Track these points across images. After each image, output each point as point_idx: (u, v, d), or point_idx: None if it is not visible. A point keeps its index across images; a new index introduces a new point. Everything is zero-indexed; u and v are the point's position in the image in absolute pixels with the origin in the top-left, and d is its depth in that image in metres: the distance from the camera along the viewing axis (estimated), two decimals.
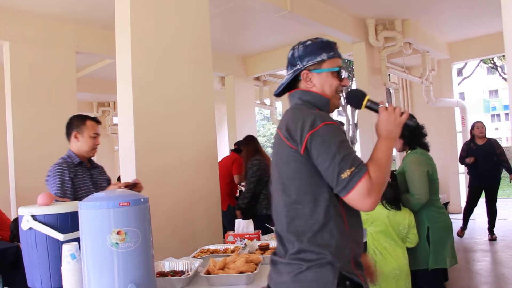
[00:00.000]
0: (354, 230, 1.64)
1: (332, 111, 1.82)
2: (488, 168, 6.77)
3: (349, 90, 1.84)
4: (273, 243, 2.81)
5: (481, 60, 17.02)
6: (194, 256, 2.70)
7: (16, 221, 4.67)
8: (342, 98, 1.70)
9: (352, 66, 10.54)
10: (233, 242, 3.02)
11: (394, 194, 3.22)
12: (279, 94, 1.87)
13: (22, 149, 5.99)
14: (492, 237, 6.90)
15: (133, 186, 2.84)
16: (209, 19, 4.38)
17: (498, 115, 45.28)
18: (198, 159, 4.10)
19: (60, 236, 1.85)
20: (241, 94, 9.52)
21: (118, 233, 1.51)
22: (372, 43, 7.48)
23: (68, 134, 3.17)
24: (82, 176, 3.08)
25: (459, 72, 19.93)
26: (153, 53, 3.85)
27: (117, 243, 1.51)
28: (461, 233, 7.10)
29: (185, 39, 4.14)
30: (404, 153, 3.64)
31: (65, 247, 1.73)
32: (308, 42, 1.77)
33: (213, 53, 4.43)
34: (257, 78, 10.19)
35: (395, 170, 3.57)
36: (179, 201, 3.90)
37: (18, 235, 4.38)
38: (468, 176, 7.26)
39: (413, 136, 3.47)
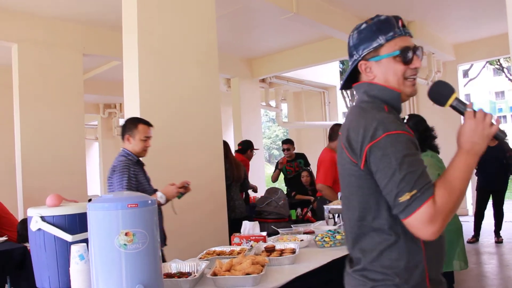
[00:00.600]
0: (431, 246, 1.40)
1: (405, 100, 1.53)
2: (496, 171, 6.74)
3: (435, 81, 1.48)
4: (279, 245, 2.82)
5: (487, 62, 16.95)
6: (200, 258, 2.70)
7: (24, 222, 4.70)
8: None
9: None
10: (239, 244, 3.03)
11: None
12: (344, 87, 1.63)
13: (30, 150, 6.03)
14: (499, 240, 6.87)
15: (186, 188, 3.15)
16: (215, 21, 4.40)
17: (505, 116, 45.08)
18: (204, 161, 4.12)
19: (68, 237, 1.87)
20: (247, 96, 9.54)
21: (126, 234, 1.52)
22: None
23: (122, 135, 3.35)
24: (140, 173, 3.29)
25: (465, 73, 19.88)
26: (159, 55, 3.88)
27: (125, 244, 1.53)
28: (472, 239, 7.04)
29: (192, 41, 4.17)
30: None
31: (74, 248, 1.74)
32: (363, 26, 1.54)
33: (219, 55, 4.45)
34: (263, 80, 10.20)
35: None
36: (185, 202, 3.91)
37: (25, 236, 4.41)
38: (475, 178, 7.24)
39: (423, 138, 3.41)
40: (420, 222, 1.27)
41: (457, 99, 1.41)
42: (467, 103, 1.40)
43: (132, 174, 3.17)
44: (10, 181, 6.24)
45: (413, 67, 1.47)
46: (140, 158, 3.37)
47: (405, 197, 1.27)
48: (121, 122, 13.39)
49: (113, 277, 1.57)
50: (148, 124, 3.33)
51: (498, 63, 19.83)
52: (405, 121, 3.46)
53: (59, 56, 6.32)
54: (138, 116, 3.64)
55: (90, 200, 2.86)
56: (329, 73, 11.61)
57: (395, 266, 1.37)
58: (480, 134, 1.35)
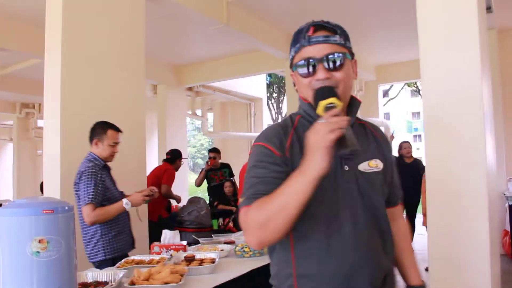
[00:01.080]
0: (305, 260, 1.36)
1: None
2: (410, 186, 7.13)
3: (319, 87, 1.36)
4: (199, 255, 2.81)
5: (405, 83, 17.98)
6: (118, 267, 2.64)
7: None
8: None
9: (285, 82, 10.77)
10: (158, 253, 2.99)
11: None
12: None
13: None
14: None
15: (152, 195, 3.25)
16: (144, 26, 4.35)
17: (420, 135, 47.81)
18: (127, 168, 4.02)
19: None
20: (173, 104, 9.46)
21: (40, 241, 1.45)
22: None
23: (91, 139, 3.30)
24: (107, 178, 3.27)
25: (385, 93, 20.91)
26: (84, 56, 3.76)
27: (38, 251, 1.46)
28: None
29: (119, 44, 4.09)
30: None
31: None
32: None
33: (146, 60, 4.39)
34: (190, 89, 10.17)
35: None
36: None
37: None
38: None
39: None
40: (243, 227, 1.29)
41: (330, 105, 1.27)
42: (336, 112, 1.24)
43: (100, 179, 3.12)
44: None
45: (318, 78, 1.37)
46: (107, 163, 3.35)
47: (241, 200, 1.31)
48: (40, 123, 12.80)
49: (24, 285, 1.50)
50: (117, 129, 3.31)
51: (415, 85, 21.05)
52: None
53: None
54: (59, 117, 3.50)
55: (0, 205, 2.71)
56: (256, 85, 11.80)
57: (273, 274, 1.46)
58: (315, 141, 1.20)
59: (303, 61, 1.38)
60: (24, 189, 12.91)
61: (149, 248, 3.68)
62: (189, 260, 2.72)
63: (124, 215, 3.28)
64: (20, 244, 1.46)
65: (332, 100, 1.27)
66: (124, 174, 3.99)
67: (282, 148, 1.37)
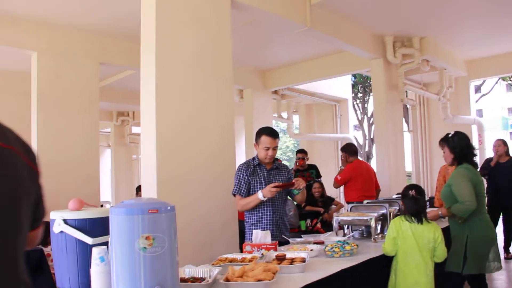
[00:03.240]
0: None
1: None
2: (506, 187, 6.72)
3: None
4: (289, 254, 2.88)
5: (499, 78, 16.91)
6: (213, 264, 2.78)
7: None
8: None
9: (370, 81, 10.57)
10: (250, 252, 3.10)
11: (416, 207, 3.36)
12: None
13: (46, 156, 6.15)
14: (508, 256, 6.85)
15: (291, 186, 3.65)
16: (231, 34, 4.50)
17: None
18: (217, 170, 4.20)
19: (89, 240, 1.95)
20: (259, 107, 9.64)
21: (146, 238, 1.60)
22: (390, 59, 7.55)
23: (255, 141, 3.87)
24: (258, 176, 3.78)
25: (478, 89, 19.81)
26: (176, 66, 3.98)
27: (145, 247, 1.61)
28: None
29: (207, 52, 4.27)
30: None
31: (95, 250, 1.83)
32: None
33: (233, 66, 4.54)
34: (275, 92, 10.30)
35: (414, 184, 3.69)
36: (196, 210, 4.00)
37: (43, 239, 4.51)
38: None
39: (464, 153, 3.85)
40: None
41: None
42: None
43: (244, 176, 3.75)
44: None
45: None
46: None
47: None
48: (135, 130, 13.49)
49: (132, 278, 1.64)
50: (272, 136, 3.74)
51: (511, 79, 19.75)
52: (449, 135, 3.94)
53: (77, 64, 6.47)
54: (154, 124, 3.74)
55: (102, 206, 2.95)
56: (341, 86, 11.70)
57: None
58: None
59: None
60: (121, 191, 13.73)
61: (240, 247, 3.83)
62: (280, 259, 2.79)
63: None
64: (129, 241, 1.61)
65: None
66: (214, 177, 4.18)
67: None
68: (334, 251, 3.08)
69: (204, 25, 4.28)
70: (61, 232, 1.98)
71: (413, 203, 3.37)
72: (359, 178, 6.46)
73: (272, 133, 3.77)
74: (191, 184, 3.98)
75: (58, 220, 1.98)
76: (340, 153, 8.05)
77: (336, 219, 3.87)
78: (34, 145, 6.12)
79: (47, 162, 6.00)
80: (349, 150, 6.74)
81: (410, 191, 3.46)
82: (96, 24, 6.34)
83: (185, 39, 4.10)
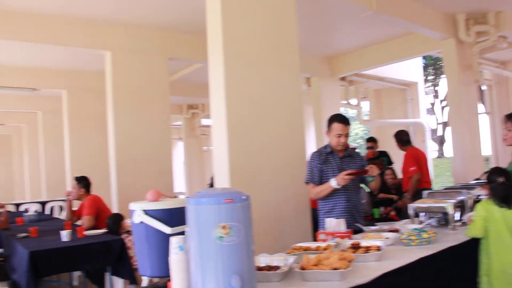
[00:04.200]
0: None
1: None
2: None
3: None
4: (364, 242, 2.84)
5: None
6: (287, 253, 2.79)
7: (113, 217, 5.05)
8: None
9: (441, 63, 10.12)
10: (324, 240, 3.08)
11: (506, 191, 3.25)
12: None
13: (123, 150, 6.45)
14: None
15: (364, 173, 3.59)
16: (296, 22, 4.46)
17: None
18: (288, 159, 4.20)
19: (167, 230, 2.02)
20: (327, 95, 9.52)
21: (223, 227, 1.63)
22: (463, 38, 7.17)
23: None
24: (330, 164, 3.76)
25: None
26: (244, 57, 4.01)
27: (221, 236, 1.64)
28: None
29: (274, 42, 4.26)
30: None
31: (173, 239, 1.88)
32: None
33: (299, 55, 4.51)
34: (343, 78, 10.12)
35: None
36: (269, 199, 4.02)
37: (114, 230, 4.76)
38: None
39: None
40: None
41: None
42: None
43: (316, 164, 3.75)
44: (106, 179, 6.70)
45: None
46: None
47: None
48: (204, 122, 13.84)
49: (211, 267, 1.68)
50: (343, 123, 3.71)
51: None
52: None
53: (147, 61, 6.71)
54: (225, 116, 3.80)
55: (175, 197, 3.04)
56: (411, 70, 11.28)
57: None
58: None
59: None
60: (193, 182, 14.12)
61: (313, 235, 3.82)
62: (355, 247, 2.76)
63: None
64: (206, 230, 1.65)
65: None
66: (285, 166, 4.18)
67: None
68: (410, 239, 3.00)
69: (269, 14, 4.27)
70: (141, 222, 2.06)
71: (502, 188, 3.26)
72: (418, 165, 6.20)
73: (343, 120, 3.73)
74: (263, 173, 4.01)
75: (138, 211, 2.07)
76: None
77: (411, 206, 3.76)
78: (111, 141, 6.44)
79: (124, 157, 6.34)
80: (402, 138, 6.48)
81: (497, 177, 3.31)
82: (164, 21, 6.52)
83: (251, 30, 4.11)
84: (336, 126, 3.70)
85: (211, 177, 6.91)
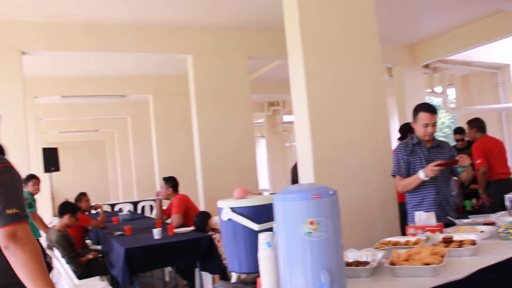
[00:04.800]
0: None
1: None
2: None
3: None
4: (457, 236, 2.72)
5: None
6: (375, 248, 2.73)
7: (200, 215, 5.21)
8: None
9: None
10: (414, 235, 2.98)
11: None
12: None
13: (207, 150, 6.65)
14: None
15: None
16: (374, 10, 4.36)
17: None
18: (372, 152, 4.13)
19: (255, 226, 2.05)
20: (410, 84, 9.18)
21: (311, 223, 1.63)
22: None
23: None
24: (417, 155, 3.63)
25: None
26: (323, 51, 3.99)
27: (310, 232, 1.64)
28: None
29: (353, 33, 4.19)
30: None
31: (261, 236, 1.91)
32: None
33: (380, 44, 4.40)
34: (426, 66, 9.73)
35: None
36: (354, 193, 3.98)
37: (202, 227, 4.91)
38: None
39: None
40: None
41: None
42: None
43: (402, 157, 3.62)
44: (192, 179, 6.94)
45: None
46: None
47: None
48: (286, 118, 13.91)
49: (299, 263, 1.69)
50: (431, 111, 3.59)
51: None
52: None
53: (227, 62, 6.86)
54: (306, 111, 3.80)
55: (259, 194, 3.08)
56: (502, 51, 10.56)
57: None
58: None
59: None
60: (276, 179, 14.22)
61: (401, 229, 3.71)
62: (447, 241, 2.65)
63: None
64: (294, 226, 1.66)
65: None
66: (370, 159, 4.11)
67: None
68: (509, 232, 2.82)
69: (346, 5, 4.21)
70: (229, 219, 2.11)
71: None
72: (489, 156, 5.76)
73: (430, 109, 3.59)
74: (347, 167, 3.97)
75: (225, 208, 2.12)
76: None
77: (509, 197, 3.54)
78: (196, 142, 6.66)
79: (209, 156, 6.53)
80: (477, 125, 6.06)
81: None
82: (241, 21, 6.63)
83: (329, 22, 4.08)
84: (423, 116, 3.56)
85: (291, 171, 6.93)
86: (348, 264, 2.36)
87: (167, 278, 6.08)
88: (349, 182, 3.94)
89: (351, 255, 2.48)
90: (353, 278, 2.19)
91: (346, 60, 4.11)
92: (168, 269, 6.04)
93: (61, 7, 5.64)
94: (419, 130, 3.61)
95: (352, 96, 4.09)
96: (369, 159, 4.10)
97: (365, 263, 2.36)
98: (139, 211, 10.29)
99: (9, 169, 1.80)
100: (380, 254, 2.41)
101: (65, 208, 5.26)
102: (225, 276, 4.48)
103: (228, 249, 2.21)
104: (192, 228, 5.11)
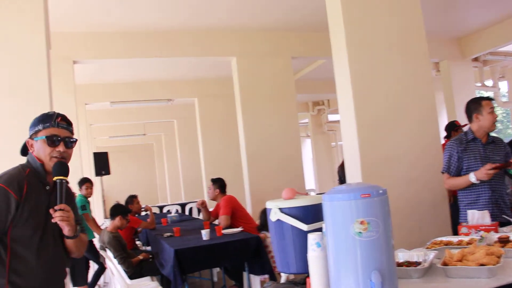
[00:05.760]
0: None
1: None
2: None
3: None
4: None
5: None
6: (427, 247, 2.67)
7: (264, 212, 5.20)
8: None
9: None
10: (467, 234, 2.89)
11: None
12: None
13: (253, 151, 6.69)
14: None
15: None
16: (419, 3, 4.26)
17: None
18: (421, 149, 4.05)
19: (304, 226, 2.05)
20: (459, 79, 8.91)
21: (361, 222, 1.62)
22: None
23: (469, 117, 3.56)
24: (472, 152, 3.48)
25: None
26: (368, 48, 3.94)
27: (360, 232, 1.62)
28: None
29: (398, 28, 4.13)
30: None
31: (310, 236, 1.91)
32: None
33: (426, 39, 4.30)
34: (476, 59, 9.40)
35: None
36: (402, 192, 3.90)
37: (264, 225, 4.91)
38: None
39: None
40: None
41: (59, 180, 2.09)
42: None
43: (455, 153, 3.47)
44: (239, 180, 7.00)
45: (59, 150, 2.12)
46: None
47: None
48: (331, 117, 13.80)
49: (349, 263, 1.68)
50: (490, 99, 3.52)
51: None
52: None
53: (271, 63, 6.88)
54: (353, 109, 3.76)
55: (307, 194, 3.07)
56: None
57: None
58: None
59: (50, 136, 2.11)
60: (323, 179, 14.12)
61: (452, 229, 3.61)
62: (503, 241, 2.56)
63: None
64: (344, 226, 1.65)
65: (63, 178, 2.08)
66: (419, 156, 4.02)
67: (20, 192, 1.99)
68: None
69: (391, 0, 4.13)
70: (278, 220, 2.12)
71: None
72: None
73: (488, 97, 3.52)
74: (396, 166, 3.90)
75: (274, 209, 2.12)
76: None
77: None
78: (242, 143, 6.71)
79: (255, 157, 6.57)
80: None
81: None
82: (284, 22, 6.64)
83: (373, 18, 4.03)
84: (486, 103, 3.45)
85: (338, 171, 6.87)
86: (399, 265, 2.32)
87: (215, 279, 6.15)
88: (397, 181, 3.88)
89: (401, 255, 2.44)
90: (404, 279, 2.16)
91: (392, 57, 4.04)
92: (216, 270, 6.11)
93: (108, 17, 5.86)
94: (487, 119, 3.44)
95: (399, 93, 4.02)
96: (418, 157, 4.01)
97: (416, 264, 2.31)
98: (186, 212, 10.46)
99: None
100: (432, 254, 2.36)
101: (116, 210, 5.42)
102: (272, 277, 4.49)
103: (277, 250, 2.22)
104: (240, 229, 5.15)
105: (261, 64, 6.82)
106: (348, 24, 3.86)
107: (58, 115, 2.20)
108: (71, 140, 2.20)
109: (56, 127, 2.14)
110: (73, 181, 4.22)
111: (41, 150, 2.13)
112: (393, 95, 3.99)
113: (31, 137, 2.17)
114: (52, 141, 2.12)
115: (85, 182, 6.21)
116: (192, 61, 7.54)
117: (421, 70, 4.18)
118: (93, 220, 6.38)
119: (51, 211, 2.02)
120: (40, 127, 2.14)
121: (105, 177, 11.09)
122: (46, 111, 2.23)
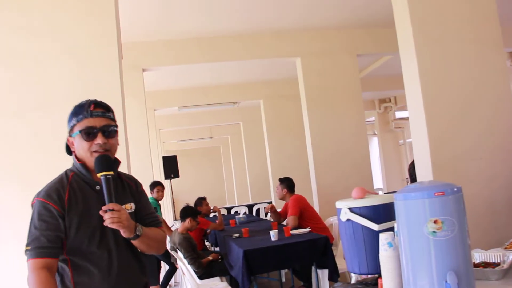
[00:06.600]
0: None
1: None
2: None
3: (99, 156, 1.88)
4: None
5: None
6: (506, 248, 2.55)
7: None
8: None
9: None
10: None
11: None
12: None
13: (319, 150, 6.66)
14: None
15: None
16: None
17: None
18: (497, 145, 3.85)
19: (375, 226, 2.02)
20: None
21: (435, 222, 1.57)
22: None
23: None
24: None
25: None
26: (437, 41, 3.81)
27: (434, 231, 1.58)
28: None
29: (468, 18, 3.95)
30: None
31: (382, 236, 1.88)
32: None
33: (499, 27, 4.09)
34: None
35: None
36: (477, 190, 3.74)
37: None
38: None
39: None
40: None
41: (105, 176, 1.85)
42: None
43: None
44: (306, 179, 6.98)
45: (97, 143, 1.87)
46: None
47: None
48: (398, 114, 13.44)
49: (423, 263, 1.63)
50: None
51: None
52: None
53: (336, 61, 6.84)
54: (422, 105, 3.65)
55: (376, 194, 3.01)
56: None
57: None
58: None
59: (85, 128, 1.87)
60: (391, 177, 13.79)
61: None
62: None
63: None
64: (417, 225, 1.61)
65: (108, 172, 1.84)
66: (494, 152, 3.84)
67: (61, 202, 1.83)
68: None
69: None
70: (348, 220, 2.10)
71: None
72: None
73: None
74: (469, 163, 3.74)
75: (344, 209, 2.11)
76: None
77: None
78: (308, 143, 6.69)
79: (321, 157, 6.55)
80: None
81: None
82: (348, 20, 6.57)
83: (441, 8, 3.88)
84: None
85: (408, 169, 6.69)
86: (475, 266, 2.24)
87: (283, 279, 6.16)
88: (472, 179, 3.72)
89: (477, 256, 2.35)
90: (482, 280, 2.08)
91: (462, 48, 3.88)
92: (284, 270, 6.12)
93: (175, 25, 6.07)
94: None
95: (470, 86, 3.85)
96: (494, 152, 3.83)
97: (494, 265, 2.21)
98: (254, 213, 10.56)
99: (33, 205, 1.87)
100: (511, 255, 2.25)
101: (186, 212, 5.55)
102: (334, 277, 4.46)
103: (347, 250, 2.20)
104: (308, 229, 5.14)
105: (326, 63, 6.79)
106: (414, 15, 3.75)
107: (91, 102, 1.91)
108: (111, 128, 1.92)
109: (90, 117, 1.87)
110: (145, 184, 4.41)
111: (80, 147, 1.90)
112: (465, 88, 3.83)
113: (70, 135, 1.95)
114: (87, 134, 1.87)
115: (156, 185, 6.40)
116: (257, 63, 7.61)
117: (494, 60, 3.98)
118: (164, 222, 6.57)
119: (101, 213, 1.81)
120: (74, 121, 1.90)
121: (174, 180, 11.43)
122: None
